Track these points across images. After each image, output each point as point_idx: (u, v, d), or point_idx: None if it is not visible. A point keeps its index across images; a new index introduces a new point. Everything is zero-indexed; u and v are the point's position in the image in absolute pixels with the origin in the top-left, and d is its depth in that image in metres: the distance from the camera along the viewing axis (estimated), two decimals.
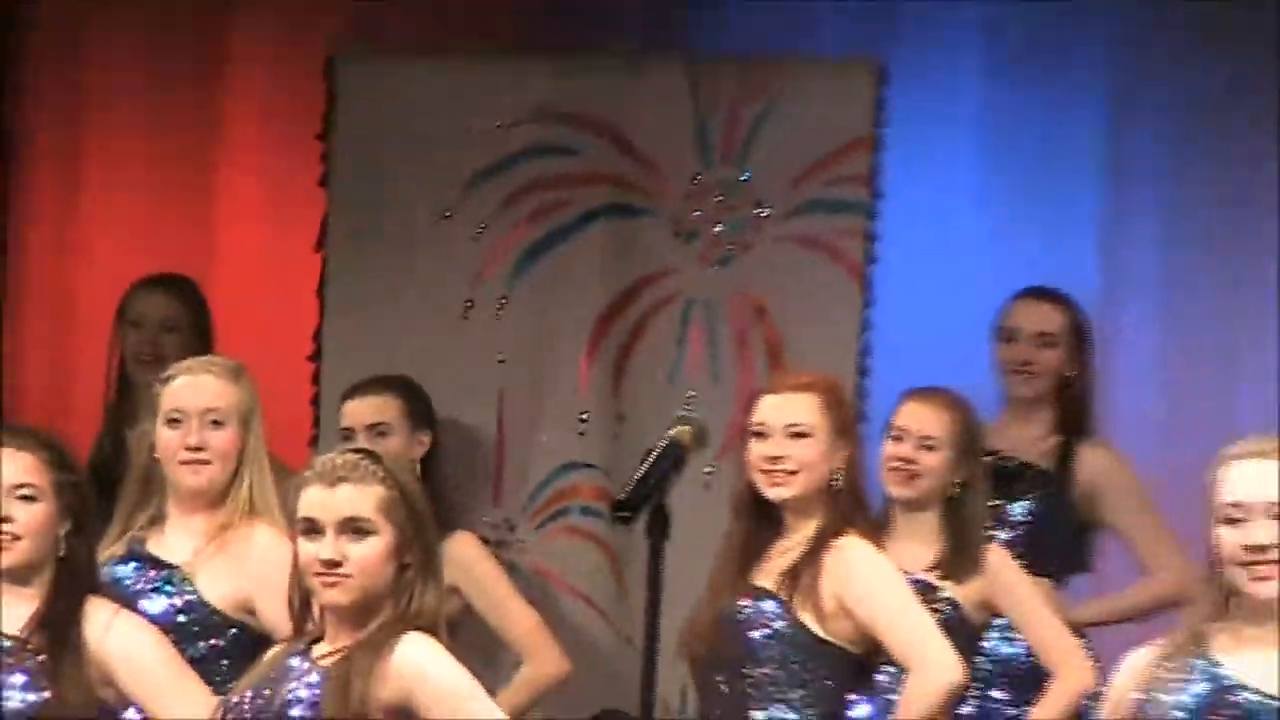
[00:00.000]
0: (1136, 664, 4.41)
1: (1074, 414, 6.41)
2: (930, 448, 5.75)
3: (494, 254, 7.47)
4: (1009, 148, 7.70)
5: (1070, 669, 5.89)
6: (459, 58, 7.72)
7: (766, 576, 5.18)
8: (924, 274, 7.49)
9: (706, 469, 6.40)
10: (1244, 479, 4.34)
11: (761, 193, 7.20)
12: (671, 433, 5.23)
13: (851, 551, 5.14)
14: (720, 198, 7.27)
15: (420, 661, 4.39)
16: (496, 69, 7.65)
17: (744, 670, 5.24)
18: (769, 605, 5.19)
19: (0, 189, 8.85)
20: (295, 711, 4.37)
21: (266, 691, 4.35)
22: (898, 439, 5.78)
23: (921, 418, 5.83)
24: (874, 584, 5.24)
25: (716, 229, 7.23)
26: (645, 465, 5.59)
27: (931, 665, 5.25)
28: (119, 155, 8.98)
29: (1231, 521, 4.09)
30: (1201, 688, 4.34)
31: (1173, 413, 7.24)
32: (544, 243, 7.41)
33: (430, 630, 4.40)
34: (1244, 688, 4.29)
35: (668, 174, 7.25)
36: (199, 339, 7.06)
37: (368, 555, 4.31)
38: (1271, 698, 4.25)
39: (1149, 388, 7.41)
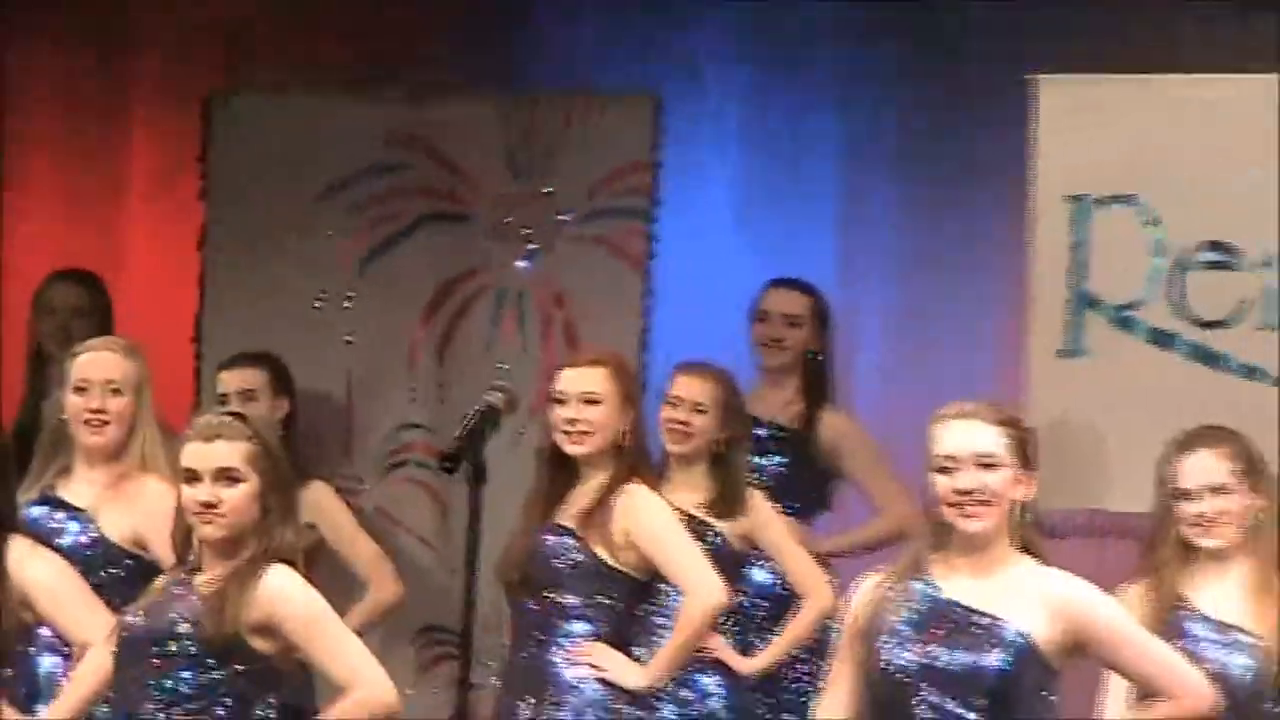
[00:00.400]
0: (869, 587, 4.73)
1: (817, 383, 6.87)
2: (700, 411, 6.16)
3: (343, 254, 7.93)
4: (761, 164, 7.85)
5: (816, 592, 6.38)
6: (316, 93, 8.12)
7: (568, 517, 5.65)
8: (694, 268, 7.95)
9: (519, 430, 6.80)
10: (953, 435, 4.77)
11: (561, 203, 7.72)
12: (488, 399, 5.82)
13: (637, 497, 5.64)
14: (526, 206, 7.78)
15: (282, 588, 4.79)
16: (346, 102, 8.05)
17: (549, 594, 5.68)
18: (569, 540, 5.67)
19: None
20: (179, 629, 4.78)
21: (155, 612, 4.78)
22: (673, 405, 6.24)
23: (692, 387, 6.31)
24: (655, 523, 5.76)
25: (524, 232, 7.78)
26: (466, 425, 5.77)
27: (701, 588, 5.72)
28: (38, 171, 8.91)
29: (944, 470, 4.50)
30: (922, 605, 4.74)
31: (901, 378, 7.70)
32: (382, 245, 7.86)
33: (290, 562, 4.82)
34: (957, 605, 4.69)
35: (484, 187, 7.75)
36: (102, 322, 7.49)
37: (237, 498, 4.71)
38: (975, 611, 4.66)
39: (884, 355, 7.81)
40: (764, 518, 6.33)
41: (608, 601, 5.84)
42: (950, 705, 4.81)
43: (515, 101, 7.84)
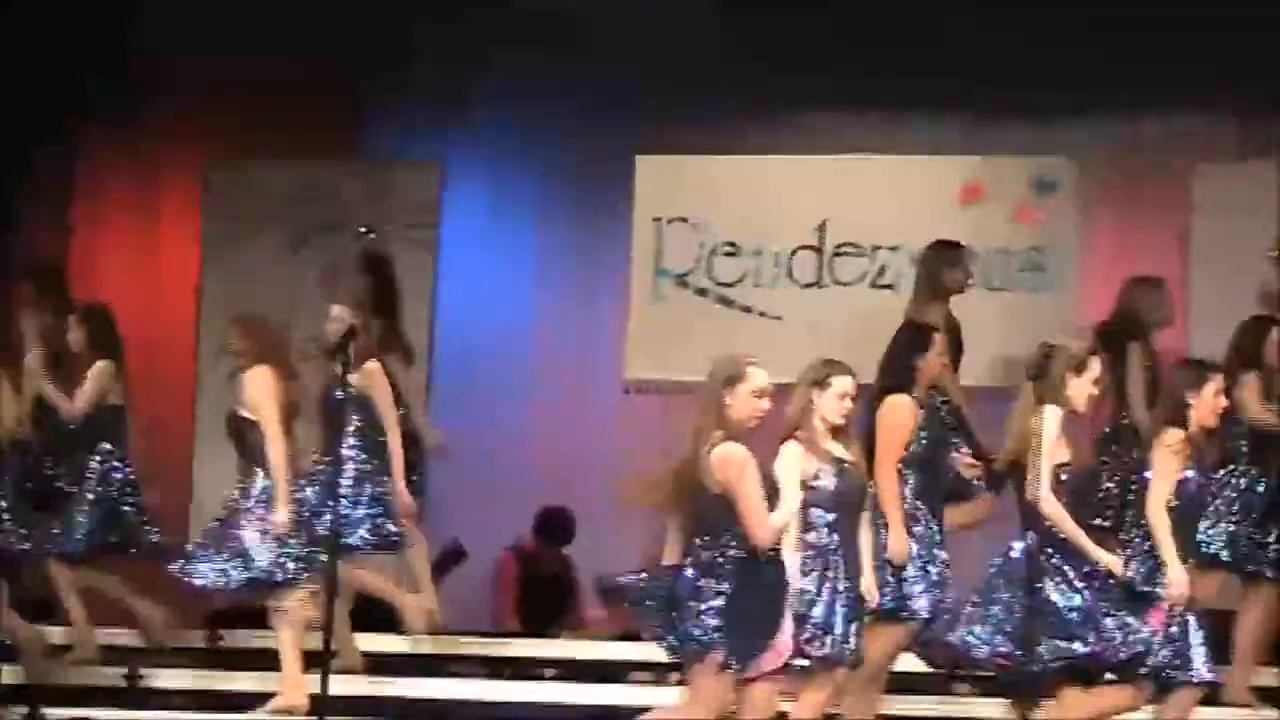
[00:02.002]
0: None
1: None
2: None
3: (306, 275, 11.17)
4: (507, 214, 12.08)
5: None
6: (275, 163, 11.62)
7: None
8: (468, 284, 11.82)
9: None
10: None
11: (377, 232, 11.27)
12: (333, 326, 9.18)
13: None
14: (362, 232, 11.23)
15: None
16: (297, 169, 11.54)
17: None
18: None
19: None
20: None
21: None
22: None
23: None
24: None
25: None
26: (327, 343, 9.15)
27: None
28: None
29: None
30: None
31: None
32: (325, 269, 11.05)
33: None
34: None
35: (352, 215, 11.46)
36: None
37: None
38: None
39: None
40: None
41: None
42: None
43: (361, 167, 11.83)
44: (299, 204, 11.55)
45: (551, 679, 10.70)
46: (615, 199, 11.53)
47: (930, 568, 8.54)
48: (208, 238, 11.52)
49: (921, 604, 8.43)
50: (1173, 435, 8.13)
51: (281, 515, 8.85)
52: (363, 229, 10.50)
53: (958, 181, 11.22)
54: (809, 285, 11.34)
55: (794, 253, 11.35)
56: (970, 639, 8.02)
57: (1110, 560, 8.02)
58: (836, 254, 11.32)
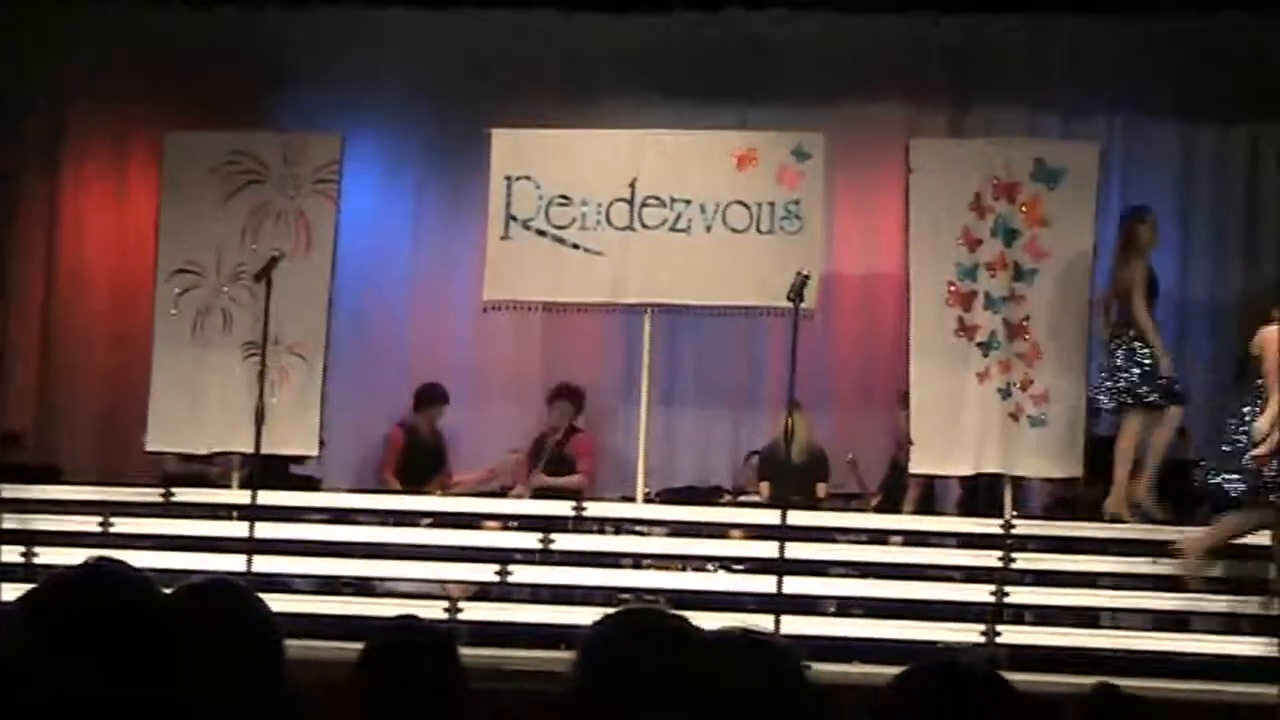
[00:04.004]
0: None
1: None
2: None
3: (237, 218, 11.82)
4: (395, 173, 13.22)
5: None
6: (215, 131, 12.08)
7: None
8: (363, 227, 12.70)
9: None
10: None
11: (299, 184, 11.76)
12: (273, 254, 10.76)
13: None
14: (286, 183, 11.83)
15: None
16: (231, 136, 11.97)
17: None
18: None
19: None
20: None
21: None
22: None
23: None
24: None
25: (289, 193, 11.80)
26: (264, 268, 10.85)
27: None
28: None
29: None
30: None
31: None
32: (251, 213, 11.79)
33: None
34: None
35: (273, 170, 11.85)
36: None
37: None
38: None
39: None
40: None
41: None
42: None
43: (280, 135, 12.22)
44: (232, 163, 12.03)
45: (427, 526, 11.60)
46: (476, 162, 12.25)
47: None
48: (164, 190, 12.13)
49: None
50: None
51: None
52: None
53: (736, 150, 11.79)
54: (623, 228, 11.83)
55: (611, 203, 11.86)
56: None
57: None
58: (644, 205, 11.81)
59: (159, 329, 12.10)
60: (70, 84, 13.70)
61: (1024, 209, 11.29)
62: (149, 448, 11.96)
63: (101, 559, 2.90)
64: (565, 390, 12.58)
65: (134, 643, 2.62)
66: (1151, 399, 10.76)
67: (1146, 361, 10.75)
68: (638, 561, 11.46)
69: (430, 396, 12.68)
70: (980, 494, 11.72)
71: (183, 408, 11.88)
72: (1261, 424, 10.13)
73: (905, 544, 11.22)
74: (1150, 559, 10.71)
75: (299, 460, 12.12)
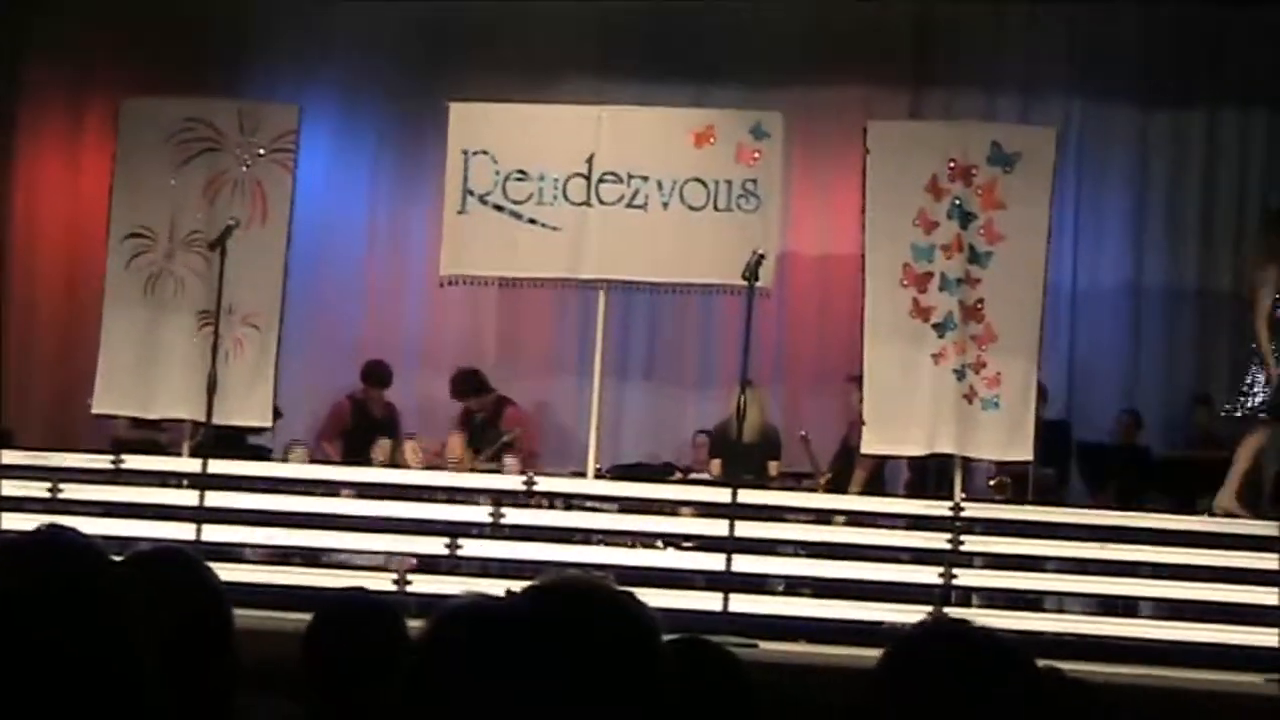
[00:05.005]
0: None
1: None
2: None
3: (192, 185, 11.69)
4: (351, 145, 13.39)
5: None
6: (171, 98, 12.01)
7: None
8: (319, 199, 12.65)
9: None
10: None
11: (258, 149, 11.72)
12: (229, 224, 10.81)
13: None
14: (247, 152, 11.76)
15: None
16: (187, 104, 11.92)
17: None
18: None
19: None
20: None
21: None
22: None
23: None
24: None
25: (244, 159, 11.71)
26: (220, 237, 11.18)
27: None
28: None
29: None
30: None
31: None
32: (207, 181, 11.69)
33: None
34: None
35: (229, 139, 11.76)
36: None
37: None
38: None
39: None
40: None
41: None
42: None
43: (239, 104, 12.13)
44: (188, 130, 11.95)
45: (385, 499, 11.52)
46: (433, 135, 12.35)
47: None
48: (120, 155, 12.03)
49: None
50: None
51: None
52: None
53: (695, 127, 11.77)
54: (580, 204, 11.78)
55: (569, 179, 11.80)
56: None
57: None
58: (601, 181, 11.77)
59: (110, 291, 12.03)
60: (28, 45, 13.74)
61: (980, 192, 11.32)
62: (95, 410, 11.94)
63: (53, 526, 2.89)
64: (460, 385, 12.75)
65: (81, 610, 2.56)
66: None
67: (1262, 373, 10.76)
68: (587, 537, 11.48)
69: (375, 375, 12.80)
70: (930, 476, 11.81)
71: (132, 371, 11.81)
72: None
73: (854, 524, 11.28)
74: (1098, 544, 10.76)
75: (256, 431, 12.15)
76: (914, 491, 12.00)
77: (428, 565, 11.18)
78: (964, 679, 2.91)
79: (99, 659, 2.45)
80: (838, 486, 12.15)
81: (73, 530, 2.92)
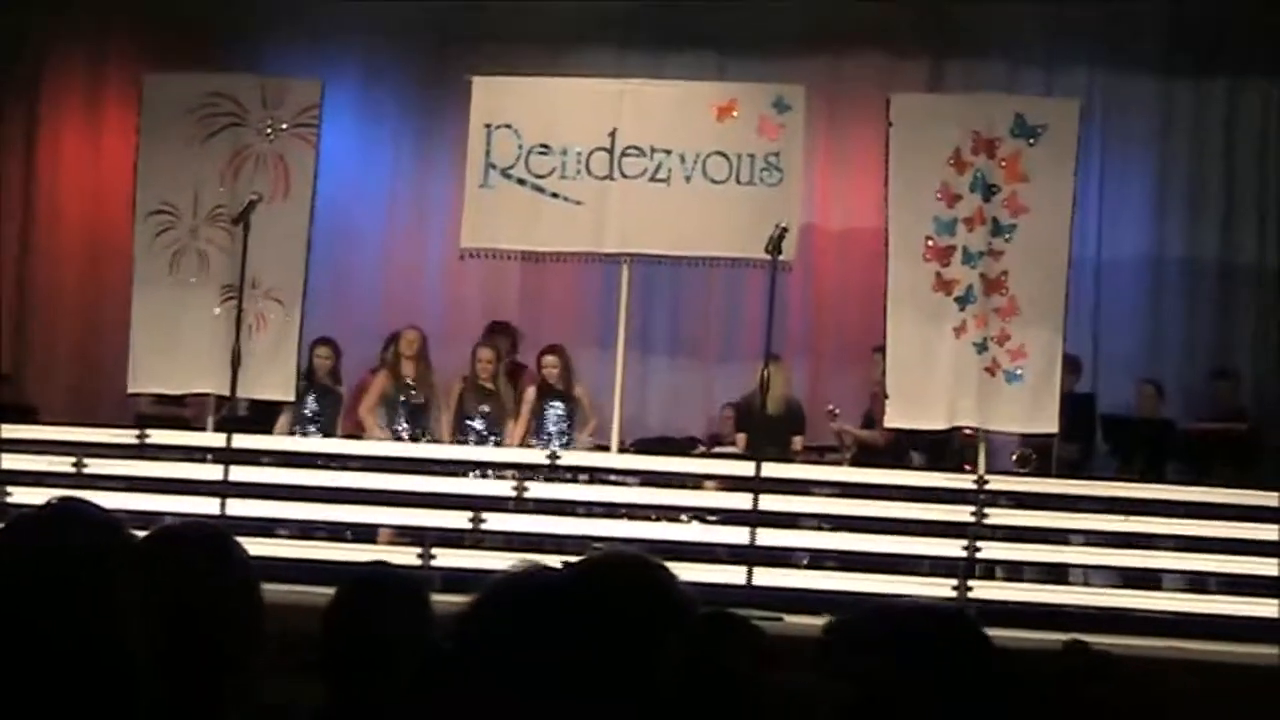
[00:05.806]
0: None
1: None
2: None
3: (215, 160, 11.70)
4: (373, 119, 13.24)
5: None
6: (194, 74, 12.00)
7: None
8: (342, 172, 12.53)
9: None
10: None
11: (281, 124, 11.73)
12: (251, 198, 10.84)
13: None
14: (270, 125, 11.76)
15: None
16: (210, 79, 11.92)
17: None
18: None
19: None
20: None
21: None
22: None
23: None
24: None
25: (268, 132, 11.70)
26: (244, 211, 10.71)
27: None
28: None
29: None
30: None
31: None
32: (230, 156, 11.65)
33: None
34: None
35: (253, 115, 11.77)
36: None
37: None
38: None
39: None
40: None
41: None
42: None
43: (262, 79, 12.11)
44: (211, 105, 11.91)
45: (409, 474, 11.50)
46: (455, 109, 12.33)
47: None
48: (143, 131, 12.02)
49: None
50: None
51: None
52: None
53: (717, 101, 11.76)
54: (603, 178, 11.75)
55: (591, 153, 11.77)
56: None
57: None
58: (624, 155, 11.74)
59: (138, 270, 12.01)
60: (51, 21, 13.65)
61: (1003, 164, 11.28)
62: (131, 389, 11.94)
63: (66, 498, 2.83)
64: (498, 326, 12.56)
65: (98, 585, 2.54)
66: None
67: None
68: (611, 511, 11.42)
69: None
70: (948, 452, 11.72)
71: (159, 347, 11.80)
72: None
73: (879, 498, 11.16)
74: (1122, 516, 10.72)
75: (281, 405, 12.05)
76: (931, 465, 11.84)
77: (452, 539, 11.08)
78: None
79: (89, 646, 2.41)
80: (863, 459, 12.04)
81: (86, 503, 2.85)
